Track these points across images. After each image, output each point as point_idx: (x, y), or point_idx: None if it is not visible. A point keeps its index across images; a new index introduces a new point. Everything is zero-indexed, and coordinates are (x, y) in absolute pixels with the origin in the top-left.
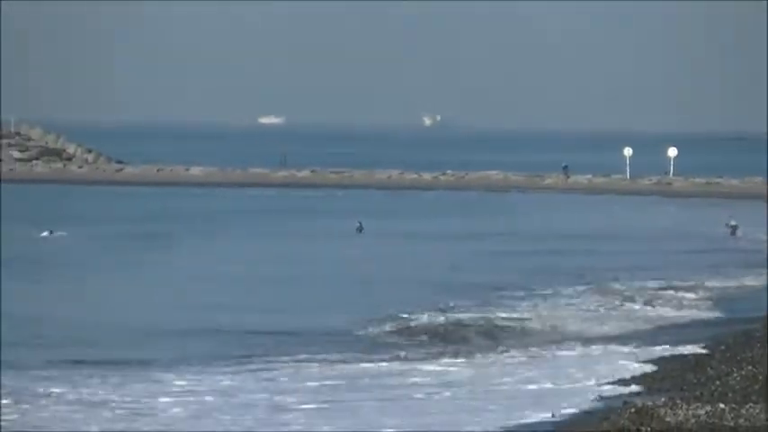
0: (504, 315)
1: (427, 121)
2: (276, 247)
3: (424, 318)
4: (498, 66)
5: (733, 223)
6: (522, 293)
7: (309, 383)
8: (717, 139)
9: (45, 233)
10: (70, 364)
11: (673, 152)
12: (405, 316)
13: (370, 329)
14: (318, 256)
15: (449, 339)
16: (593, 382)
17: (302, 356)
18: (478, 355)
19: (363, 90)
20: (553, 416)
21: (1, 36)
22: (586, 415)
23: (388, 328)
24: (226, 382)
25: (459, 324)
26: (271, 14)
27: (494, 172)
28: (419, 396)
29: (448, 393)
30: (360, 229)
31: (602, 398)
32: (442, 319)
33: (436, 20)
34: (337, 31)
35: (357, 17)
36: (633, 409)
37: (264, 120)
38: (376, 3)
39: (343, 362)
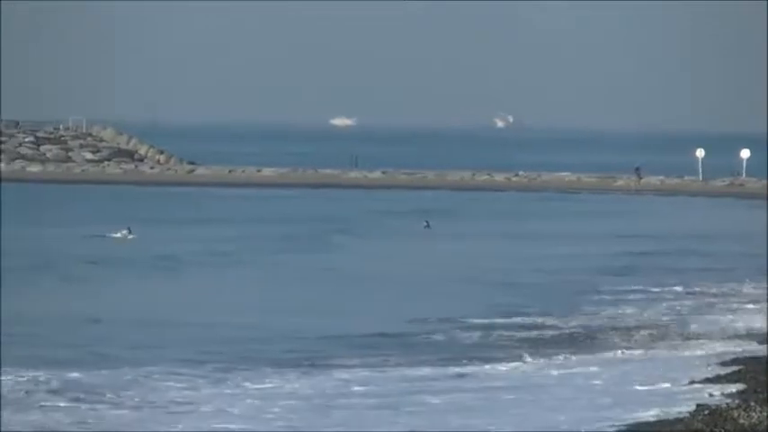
0: (582, 317)
1: (499, 123)
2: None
3: (497, 321)
4: (564, 65)
5: None
6: (600, 296)
7: (399, 385)
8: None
9: (122, 233)
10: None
11: (745, 154)
12: (476, 321)
13: (454, 333)
14: (394, 255)
15: (528, 342)
16: (667, 384)
17: (391, 360)
18: (557, 358)
19: (435, 92)
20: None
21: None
22: (660, 417)
23: (464, 330)
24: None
25: (538, 326)
26: (341, 17)
27: (566, 173)
28: (498, 397)
29: (526, 396)
30: (427, 227)
31: (675, 400)
32: (519, 320)
33: (506, 21)
34: (408, 32)
35: (426, 18)
36: (707, 411)
37: (336, 121)
38: (446, 3)
39: (438, 364)
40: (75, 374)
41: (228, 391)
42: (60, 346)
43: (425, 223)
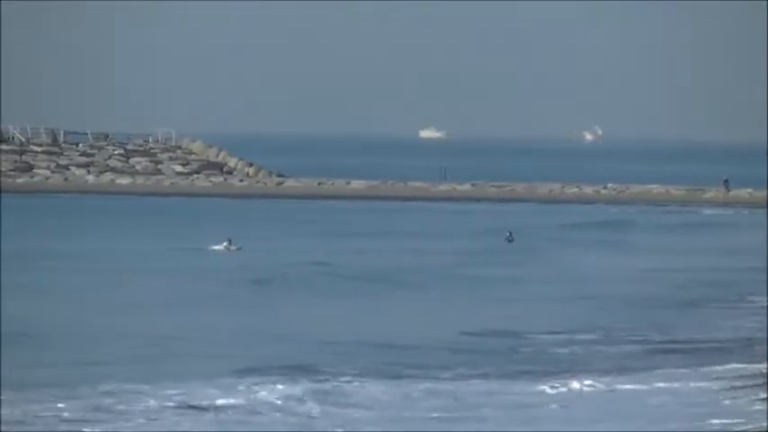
0: (689, 332)
1: (588, 136)
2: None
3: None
4: (648, 77)
5: None
6: (705, 309)
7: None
8: None
9: (223, 245)
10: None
11: None
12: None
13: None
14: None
15: (634, 356)
16: (745, 399)
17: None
18: (658, 372)
19: (524, 105)
20: None
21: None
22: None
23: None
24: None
25: (644, 341)
26: (433, 26)
27: (654, 185)
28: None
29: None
30: (510, 240)
31: (748, 414)
32: (595, 336)
33: (592, 39)
34: (496, 44)
35: (513, 31)
36: None
37: (425, 133)
38: (537, 18)
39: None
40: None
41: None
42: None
43: (508, 234)
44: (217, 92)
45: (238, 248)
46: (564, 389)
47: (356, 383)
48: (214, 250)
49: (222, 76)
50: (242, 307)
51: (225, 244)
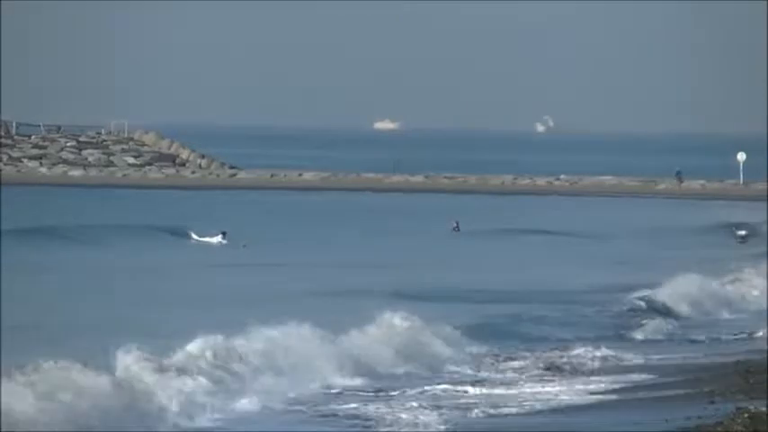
0: None
1: (540, 127)
2: None
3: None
4: (594, 69)
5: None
6: None
7: None
8: None
9: (216, 238)
10: None
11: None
12: None
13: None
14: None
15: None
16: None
17: None
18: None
19: (477, 96)
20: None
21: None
22: (699, 420)
23: None
24: None
25: None
26: (389, 17)
27: (608, 177)
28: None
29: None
30: (456, 229)
31: (714, 403)
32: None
33: (542, 26)
34: (451, 34)
35: (467, 20)
36: (746, 414)
37: (379, 125)
38: (490, 5)
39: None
40: None
41: None
42: None
43: (455, 224)
44: (169, 83)
45: (244, 245)
46: None
47: None
48: (205, 242)
49: (175, 66)
50: None
51: (218, 238)
